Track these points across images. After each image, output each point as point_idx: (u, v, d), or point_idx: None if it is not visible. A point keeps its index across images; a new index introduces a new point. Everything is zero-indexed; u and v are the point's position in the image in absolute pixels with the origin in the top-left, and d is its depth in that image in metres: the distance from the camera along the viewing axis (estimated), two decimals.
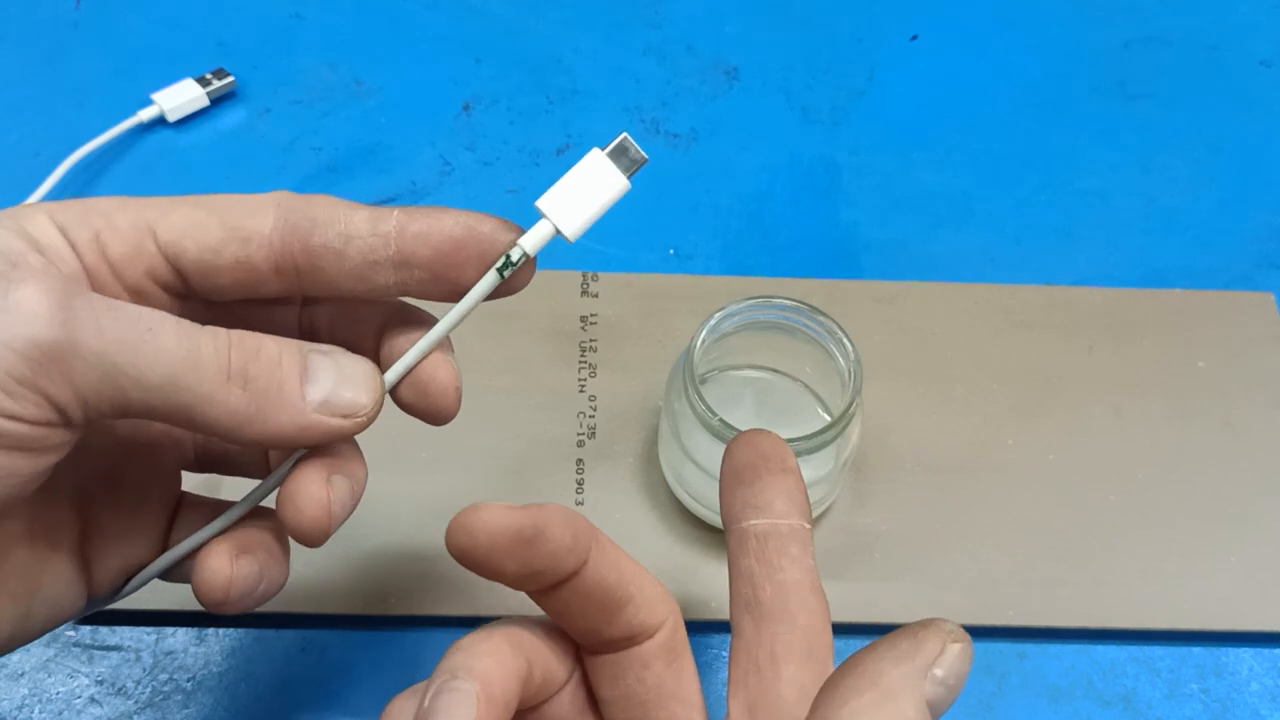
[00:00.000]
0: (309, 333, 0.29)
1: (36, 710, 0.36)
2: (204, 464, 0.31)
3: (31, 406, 0.21)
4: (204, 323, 0.24)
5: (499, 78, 0.53)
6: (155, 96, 0.50)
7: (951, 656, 0.23)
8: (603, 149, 0.27)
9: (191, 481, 0.30)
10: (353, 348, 0.27)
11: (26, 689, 0.37)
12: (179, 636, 0.38)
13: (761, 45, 0.55)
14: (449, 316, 0.27)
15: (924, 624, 0.23)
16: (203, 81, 0.51)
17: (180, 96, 0.50)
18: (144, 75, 0.51)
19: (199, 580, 0.26)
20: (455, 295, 0.26)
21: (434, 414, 0.28)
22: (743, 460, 0.29)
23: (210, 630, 0.38)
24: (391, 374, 0.27)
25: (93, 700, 0.37)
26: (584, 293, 0.45)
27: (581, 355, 0.43)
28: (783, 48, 0.55)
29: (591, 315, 0.44)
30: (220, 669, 0.37)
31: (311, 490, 0.26)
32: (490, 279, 0.26)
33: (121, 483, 0.28)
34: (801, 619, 0.27)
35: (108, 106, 0.50)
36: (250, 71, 0.52)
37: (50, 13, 0.54)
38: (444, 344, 0.27)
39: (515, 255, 0.26)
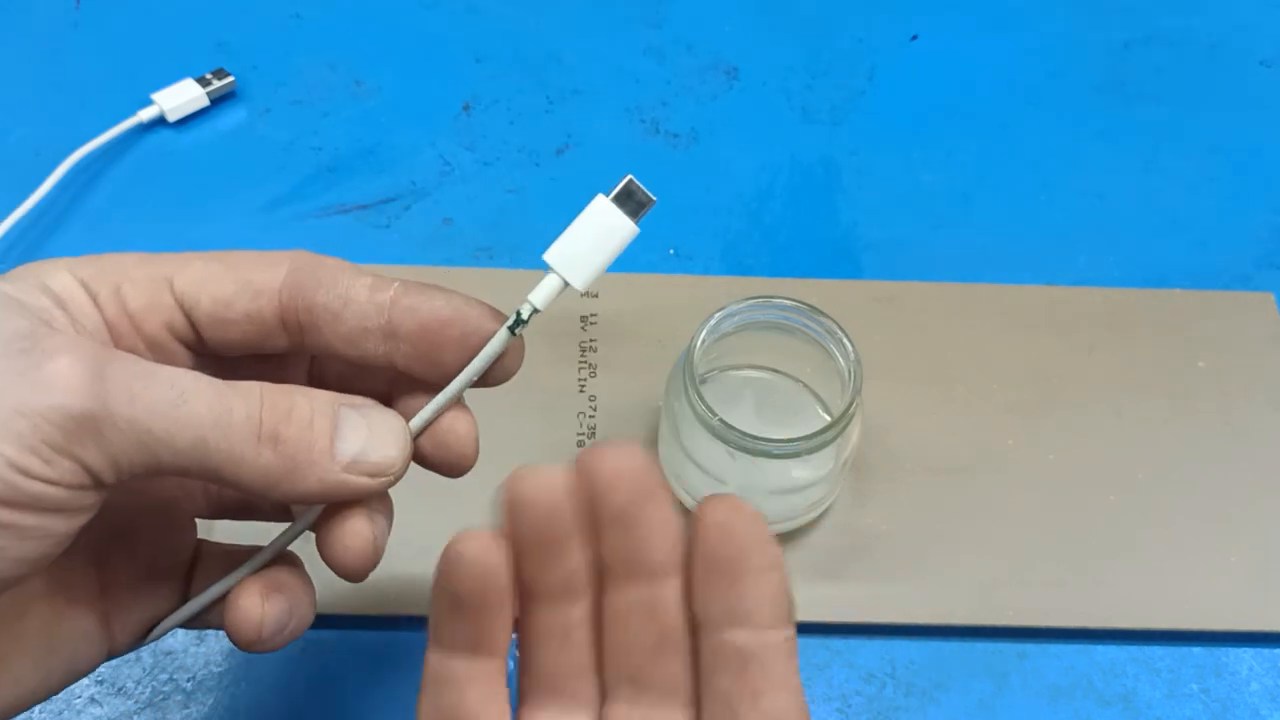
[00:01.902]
0: (318, 386, 0.29)
1: (36, 710, 0.36)
2: (218, 511, 0.31)
3: (67, 473, 0.22)
4: (218, 377, 0.24)
5: (499, 78, 0.53)
6: (155, 96, 0.50)
7: None
8: (607, 195, 0.27)
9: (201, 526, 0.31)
10: None
11: None
12: (179, 636, 0.38)
13: (761, 45, 0.55)
14: (464, 373, 0.27)
15: None
16: (203, 81, 0.51)
17: (180, 96, 0.50)
18: (144, 75, 0.51)
19: (231, 619, 0.27)
20: (438, 375, 0.27)
21: (453, 465, 0.28)
22: (721, 550, 0.24)
23: (210, 630, 0.38)
24: (412, 424, 0.27)
25: (93, 700, 0.37)
26: (584, 293, 0.45)
27: (581, 355, 0.43)
28: (783, 48, 0.55)
29: (591, 315, 0.44)
30: (220, 669, 0.37)
31: (358, 528, 0.26)
32: (501, 338, 0.26)
33: (138, 537, 0.28)
34: None
35: (108, 106, 0.50)
36: (250, 71, 0.52)
37: (50, 13, 0.54)
38: (458, 399, 0.28)
39: (525, 312, 0.27)
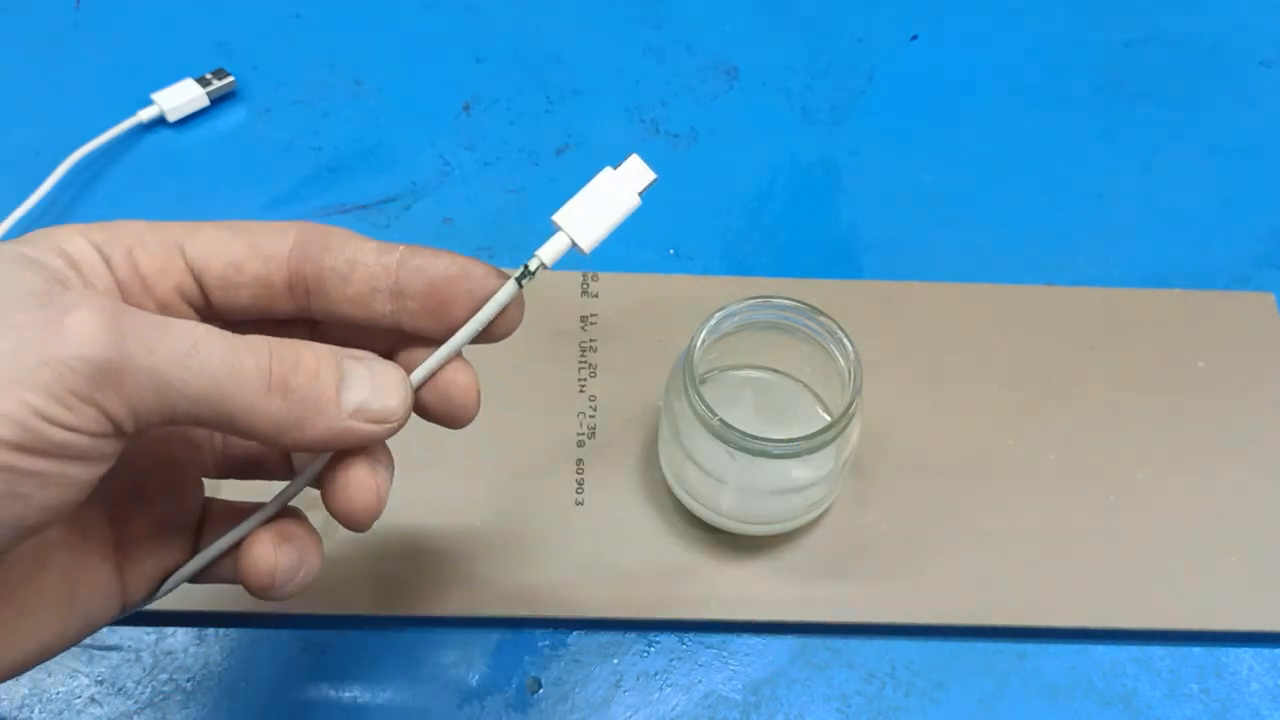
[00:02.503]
0: None
1: (36, 710, 0.36)
2: (224, 471, 0.32)
3: (90, 420, 0.23)
4: None
5: (499, 78, 0.53)
6: (155, 96, 0.50)
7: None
8: (614, 168, 0.28)
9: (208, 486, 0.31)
10: None
11: (26, 689, 0.37)
12: (179, 636, 0.38)
13: (761, 45, 0.55)
14: (468, 325, 0.28)
15: None
16: (203, 81, 0.51)
17: (180, 96, 0.50)
18: (144, 75, 0.51)
19: (245, 567, 0.28)
20: (444, 331, 0.28)
21: (455, 417, 0.29)
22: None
23: (210, 630, 0.38)
24: (414, 377, 0.28)
25: (93, 700, 0.37)
26: (584, 293, 0.45)
27: (581, 355, 0.43)
28: (783, 48, 0.55)
29: (591, 315, 0.44)
30: (220, 669, 0.37)
31: (362, 478, 0.28)
32: (509, 288, 0.28)
33: (149, 494, 0.29)
34: None
35: (108, 106, 0.50)
36: (250, 71, 0.52)
37: (50, 13, 0.54)
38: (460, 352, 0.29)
39: (533, 265, 0.28)
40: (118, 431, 0.23)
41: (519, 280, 0.28)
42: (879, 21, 0.57)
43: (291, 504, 0.29)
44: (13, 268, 0.24)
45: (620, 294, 0.45)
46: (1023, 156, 0.52)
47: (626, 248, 0.47)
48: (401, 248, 0.27)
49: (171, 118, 0.50)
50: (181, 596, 0.37)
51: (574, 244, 0.28)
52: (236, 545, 0.29)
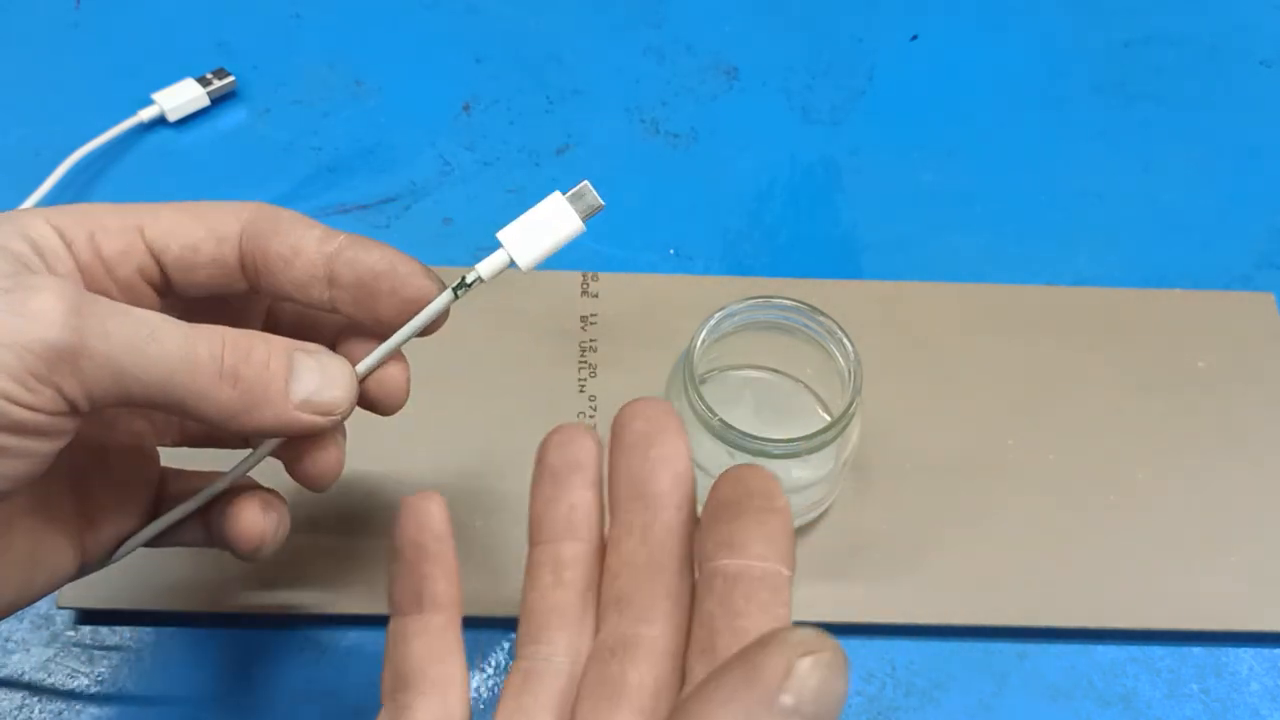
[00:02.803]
0: (272, 328, 0.32)
1: (36, 710, 0.36)
2: (180, 441, 0.33)
3: (48, 400, 0.24)
4: (183, 317, 0.26)
5: (499, 78, 0.53)
6: (155, 96, 0.50)
7: (802, 675, 0.18)
8: (564, 193, 0.29)
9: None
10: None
11: (26, 689, 0.37)
12: (179, 636, 0.38)
13: (761, 45, 0.55)
14: (406, 327, 0.29)
15: (763, 641, 0.19)
16: (203, 81, 0.51)
17: (180, 96, 0.50)
18: (144, 75, 0.51)
19: (237, 531, 0.30)
20: (374, 322, 0.29)
21: (386, 406, 0.30)
22: (726, 496, 0.25)
23: (210, 630, 0.38)
24: (362, 367, 0.29)
25: (93, 700, 0.37)
26: (584, 293, 0.45)
27: (581, 355, 0.43)
28: (783, 48, 0.55)
29: (591, 315, 0.44)
30: (220, 669, 0.37)
31: (325, 453, 0.30)
32: (445, 297, 0.29)
33: (108, 461, 0.31)
34: None
35: (108, 106, 0.50)
36: (250, 71, 0.53)
37: (50, 13, 0.54)
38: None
39: (470, 278, 0.29)
40: (74, 410, 0.25)
41: (455, 290, 0.29)
42: (879, 21, 0.57)
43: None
44: None
45: (620, 294, 0.45)
46: (1022, 156, 0.52)
47: (626, 248, 0.48)
48: (342, 237, 0.28)
49: (172, 118, 0.50)
50: (182, 596, 0.37)
51: (513, 261, 0.29)
52: (196, 512, 0.31)
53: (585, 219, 0.29)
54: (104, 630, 0.38)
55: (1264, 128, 0.53)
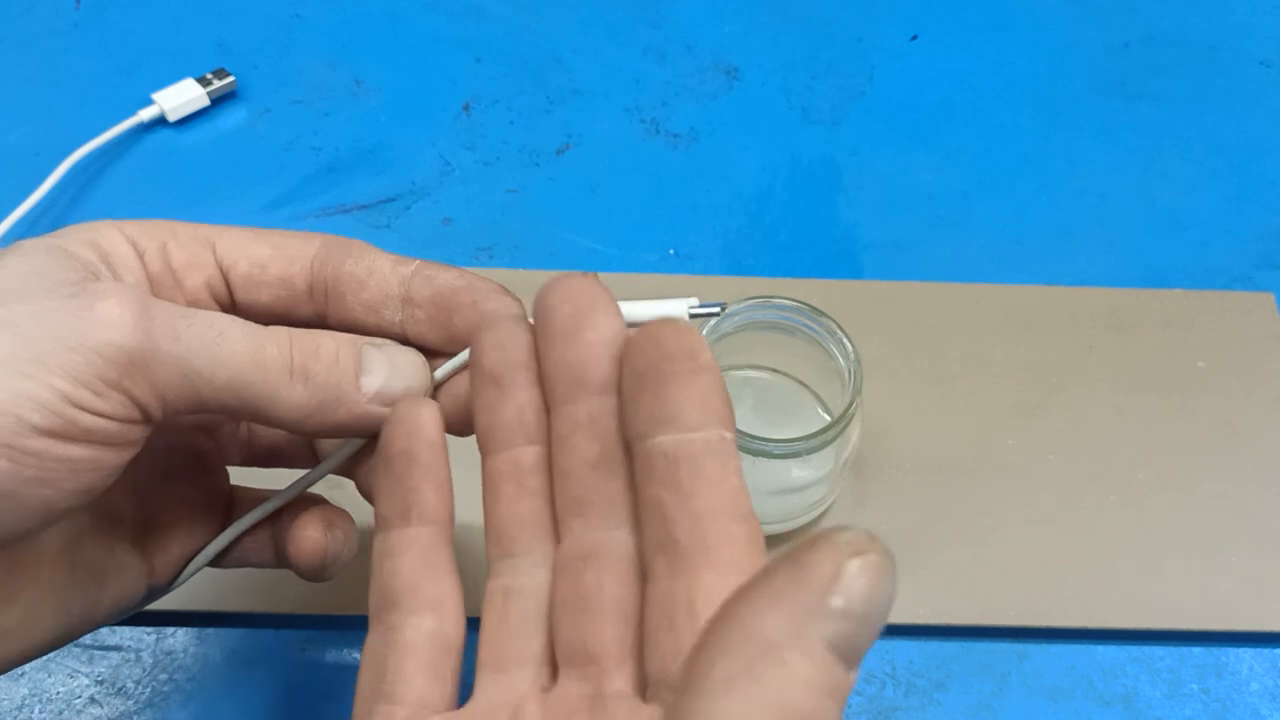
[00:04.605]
0: None
1: (36, 710, 0.36)
2: (248, 459, 0.33)
3: (119, 406, 0.24)
4: None
5: (499, 78, 0.54)
6: (155, 96, 0.50)
7: (851, 577, 0.18)
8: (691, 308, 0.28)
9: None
10: None
11: (26, 689, 0.37)
12: (179, 636, 0.38)
13: (761, 45, 0.55)
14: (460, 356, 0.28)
15: (809, 542, 0.18)
16: (203, 81, 0.51)
17: (180, 96, 0.50)
18: (144, 75, 0.51)
19: (297, 550, 0.29)
20: (445, 342, 0.28)
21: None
22: (644, 360, 0.23)
23: (210, 630, 0.38)
24: (440, 372, 0.28)
25: (93, 700, 0.37)
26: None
27: None
28: (783, 48, 0.55)
29: None
30: (220, 669, 0.37)
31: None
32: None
33: (175, 478, 0.30)
34: (726, 556, 0.22)
35: (108, 106, 0.50)
36: (250, 71, 0.53)
37: (50, 13, 0.54)
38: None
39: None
40: (145, 418, 0.24)
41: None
42: (879, 21, 0.57)
43: (314, 493, 0.30)
44: (45, 258, 0.24)
45: (620, 294, 0.45)
46: (1022, 156, 0.52)
47: (626, 248, 0.48)
48: (417, 261, 0.28)
49: (172, 118, 0.50)
50: (183, 596, 0.37)
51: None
52: (256, 527, 0.30)
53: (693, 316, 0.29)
54: (104, 630, 0.38)
55: (1263, 128, 0.53)
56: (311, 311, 0.28)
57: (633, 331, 0.24)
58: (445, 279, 0.28)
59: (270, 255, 0.28)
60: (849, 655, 0.18)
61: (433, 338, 0.28)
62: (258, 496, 0.32)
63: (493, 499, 0.26)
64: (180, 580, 0.30)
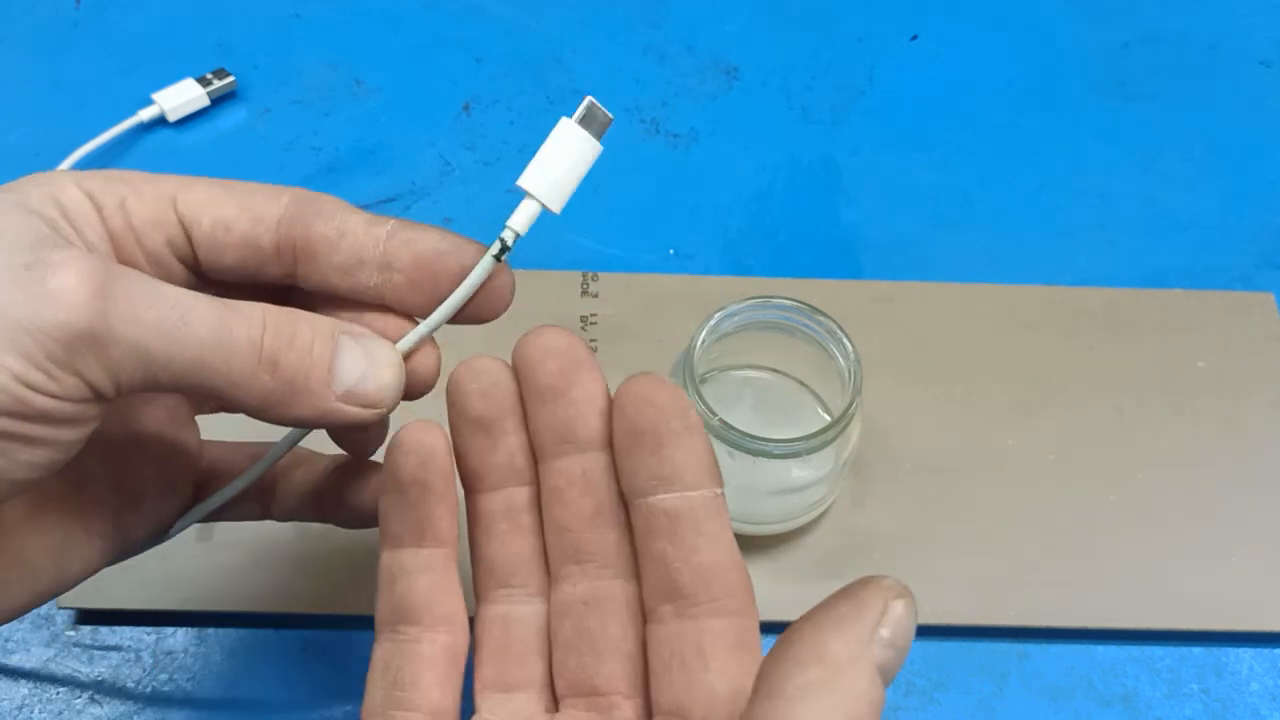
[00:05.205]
0: None
1: (36, 710, 0.36)
2: (221, 407, 0.31)
3: (70, 387, 0.22)
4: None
5: (499, 78, 0.54)
6: (155, 96, 0.50)
7: (896, 615, 0.21)
8: (570, 117, 0.27)
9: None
10: None
11: (26, 689, 0.37)
12: (179, 636, 0.38)
13: (761, 45, 0.55)
14: (450, 299, 0.27)
15: (862, 583, 0.22)
16: (203, 81, 0.51)
17: (180, 96, 0.50)
18: (144, 75, 0.51)
19: (360, 504, 0.30)
20: (429, 306, 0.27)
21: (414, 390, 0.28)
22: (641, 420, 0.25)
23: (210, 630, 0.38)
24: (400, 345, 0.27)
25: (93, 700, 0.37)
26: (584, 293, 0.45)
27: None
28: (783, 48, 0.55)
29: (591, 315, 0.44)
30: (220, 669, 0.37)
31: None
32: (486, 263, 0.27)
33: (144, 438, 0.29)
34: (727, 604, 0.25)
35: (108, 106, 0.50)
36: (250, 71, 0.53)
37: (50, 13, 0.54)
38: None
39: (508, 237, 0.27)
40: (98, 397, 0.23)
41: (496, 256, 0.27)
42: (879, 21, 0.57)
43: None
44: (4, 219, 0.23)
45: (620, 294, 0.45)
46: (1022, 156, 0.52)
47: (626, 248, 0.47)
48: (392, 220, 0.27)
49: (172, 118, 0.50)
50: (183, 596, 0.37)
51: (544, 206, 0.27)
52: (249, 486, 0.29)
53: (600, 138, 0.28)
54: (104, 630, 0.38)
55: (1264, 128, 0.53)
56: (280, 273, 0.27)
57: (616, 392, 0.26)
58: (427, 243, 0.27)
59: (234, 215, 0.26)
60: (888, 677, 0.21)
61: (413, 301, 0.27)
62: (230, 449, 0.31)
63: (485, 535, 0.28)
64: (170, 535, 0.30)
